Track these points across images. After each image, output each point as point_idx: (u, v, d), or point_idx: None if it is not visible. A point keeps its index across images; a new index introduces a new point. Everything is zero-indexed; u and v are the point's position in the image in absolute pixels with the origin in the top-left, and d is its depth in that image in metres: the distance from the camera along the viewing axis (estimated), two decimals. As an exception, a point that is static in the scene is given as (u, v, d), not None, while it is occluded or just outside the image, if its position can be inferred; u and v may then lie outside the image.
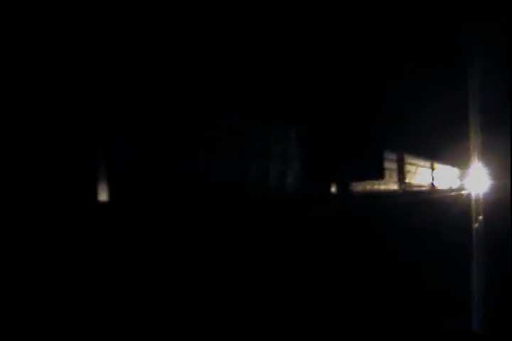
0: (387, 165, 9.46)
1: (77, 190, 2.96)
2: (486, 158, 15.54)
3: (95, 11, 3.17)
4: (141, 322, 3.00)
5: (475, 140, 12.39)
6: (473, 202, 12.66)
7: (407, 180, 11.37)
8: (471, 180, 18.26)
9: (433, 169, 15.21)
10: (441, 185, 16.59)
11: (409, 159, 11.83)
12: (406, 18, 7.40)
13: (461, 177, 20.86)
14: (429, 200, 12.28)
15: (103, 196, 3.01)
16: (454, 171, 20.07)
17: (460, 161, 17.18)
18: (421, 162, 13.57)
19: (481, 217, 10.60)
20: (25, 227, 2.57)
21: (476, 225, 10.71)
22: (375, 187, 8.55)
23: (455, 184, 19.86)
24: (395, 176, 10.28)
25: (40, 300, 2.52)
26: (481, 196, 14.33)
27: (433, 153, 14.31)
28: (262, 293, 3.95)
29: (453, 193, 16.65)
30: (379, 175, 7.24)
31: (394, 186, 10.12)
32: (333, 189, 6.78)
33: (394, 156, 10.46)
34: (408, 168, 11.64)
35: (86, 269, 2.71)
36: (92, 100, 3.13)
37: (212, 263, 3.54)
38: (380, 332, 4.20)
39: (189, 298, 3.31)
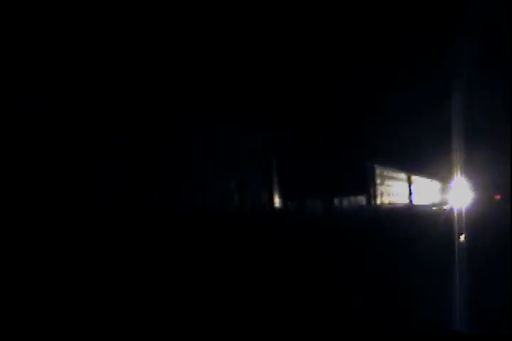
0: (369, 179, 9.15)
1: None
2: (469, 171, 15.39)
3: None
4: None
5: (457, 153, 12.22)
6: (455, 217, 12.43)
7: (389, 194, 11.04)
8: (454, 193, 18.09)
9: (415, 183, 14.97)
10: (423, 199, 16.38)
11: (390, 173, 11.56)
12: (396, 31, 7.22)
13: (444, 190, 20.73)
14: (409, 215, 11.99)
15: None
16: (437, 184, 19.95)
17: (443, 174, 17.03)
18: (402, 175, 13.33)
19: (462, 234, 10.30)
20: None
21: (460, 240, 10.42)
22: (356, 201, 8.19)
23: (438, 198, 19.72)
24: (376, 190, 9.91)
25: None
26: (463, 210, 14.12)
27: (415, 167, 14.09)
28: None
29: (436, 208, 16.46)
30: (362, 188, 7.01)
31: (375, 200, 9.74)
32: (312, 204, 6.56)
33: (375, 170, 10.15)
34: (390, 181, 11.35)
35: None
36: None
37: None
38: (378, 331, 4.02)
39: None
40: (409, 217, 11.87)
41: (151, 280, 3.23)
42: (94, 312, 2.77)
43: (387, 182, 11.28)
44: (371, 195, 9.52)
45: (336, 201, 7.31)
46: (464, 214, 12.67)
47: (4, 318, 2.39)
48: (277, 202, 5.89)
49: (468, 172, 14.55)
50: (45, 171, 2.80)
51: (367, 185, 9.36)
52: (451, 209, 14.82)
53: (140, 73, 3.60)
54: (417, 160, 13.40)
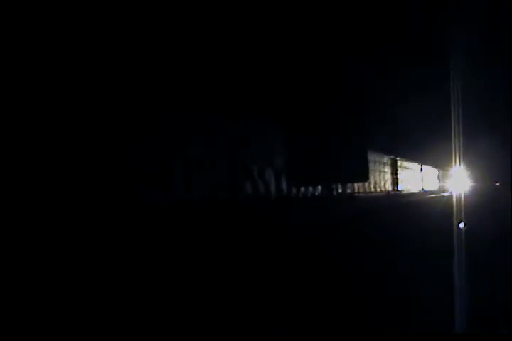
0: (373, 167, 9.63)
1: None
2: (468, 160, 15.76)
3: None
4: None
5: (457, 143, 12.57)
6: (456, 203, 12.79)
7: (394, 182, 11.54)
8: (454, 181, 18.50)
9: (419, 171, 15.45)
10: (426, 186, 16.75)
11: (396, 161, 11.99)
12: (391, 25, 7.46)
13: (445, 178, 21.09)
14: (413, 202, 12.44)
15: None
16: (438, 173, 20.25)
17: (443, 163, 17.37)
18: (407, 164, 13.76)
19: (462, 222, 10.73)
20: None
21: (460, 226, 10.80)
22: (363, 188, 8.72)
23: (438, 185, 20.03)
24: (382, 178, 10.44)
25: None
26: (463, 197, 14.48)
27: (418, 156, 14.52)
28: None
29: (436, 195, 16.81)
30: (364, 177, 7.34)
31: (381, 187, 10.28)
32: (319, 191, 6.92)
33: (380, 158, 10.64)
34: (395, 170, 11.80)
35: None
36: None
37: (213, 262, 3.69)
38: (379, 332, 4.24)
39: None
40: (420, 199, 12.31)
41: (152, 277, 3.16)
42: (91, 310, 2.72)
43: (403, 172, 11.90)
44: (394, 183, 10.26)
45: (370, 187, 8.04)
46: (463, 200, 13.10)
47: (4, 318, 2.35)
48: (324, 188, 6.40)
49: (469, 159, 15.00)
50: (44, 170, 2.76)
51: (391, 175, 10.12)
52: (452, 196, 15.23)
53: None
54: (424, 153, 13.94)
